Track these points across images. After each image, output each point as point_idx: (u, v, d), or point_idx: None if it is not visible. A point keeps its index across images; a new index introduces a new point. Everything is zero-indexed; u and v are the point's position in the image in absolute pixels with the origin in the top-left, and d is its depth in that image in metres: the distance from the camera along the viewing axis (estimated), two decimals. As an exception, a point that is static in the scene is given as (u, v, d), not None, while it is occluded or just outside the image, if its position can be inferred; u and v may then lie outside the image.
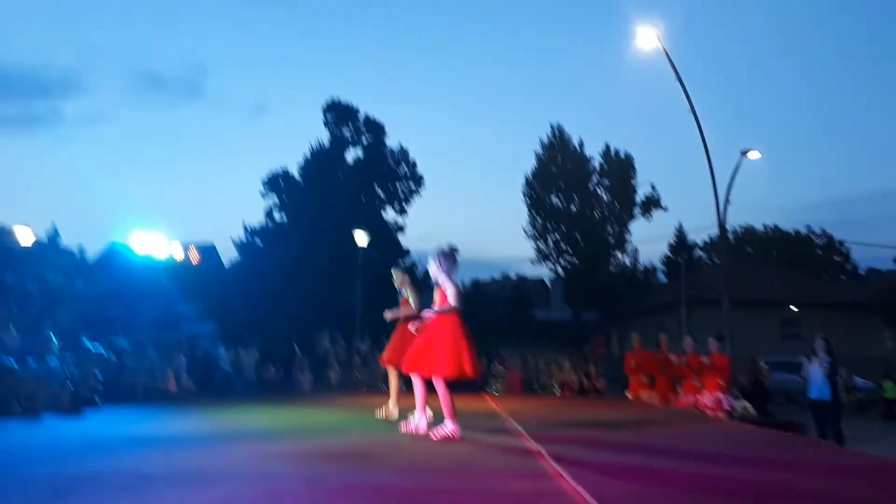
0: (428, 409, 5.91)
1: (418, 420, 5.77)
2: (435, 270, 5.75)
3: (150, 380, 9.51)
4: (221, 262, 36.91)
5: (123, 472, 3.84)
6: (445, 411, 5.44)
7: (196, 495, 3.20)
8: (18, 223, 16.88)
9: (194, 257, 16.58)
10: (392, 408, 7.19)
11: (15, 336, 8.38)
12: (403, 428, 5.83)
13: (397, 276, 7.59)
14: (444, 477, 3.88)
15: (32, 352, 7.46)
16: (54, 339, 7.63)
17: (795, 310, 29.79)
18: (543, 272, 47.15)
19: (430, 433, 5.47)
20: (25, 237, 16.77)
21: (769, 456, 5.12)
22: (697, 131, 16.50)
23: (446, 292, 5.57)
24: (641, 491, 3.63)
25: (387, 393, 7.54)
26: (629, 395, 10.99)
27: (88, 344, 8.61)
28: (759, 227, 49.65)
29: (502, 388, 13.40)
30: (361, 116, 38.13)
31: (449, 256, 5.74)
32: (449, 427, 5.38)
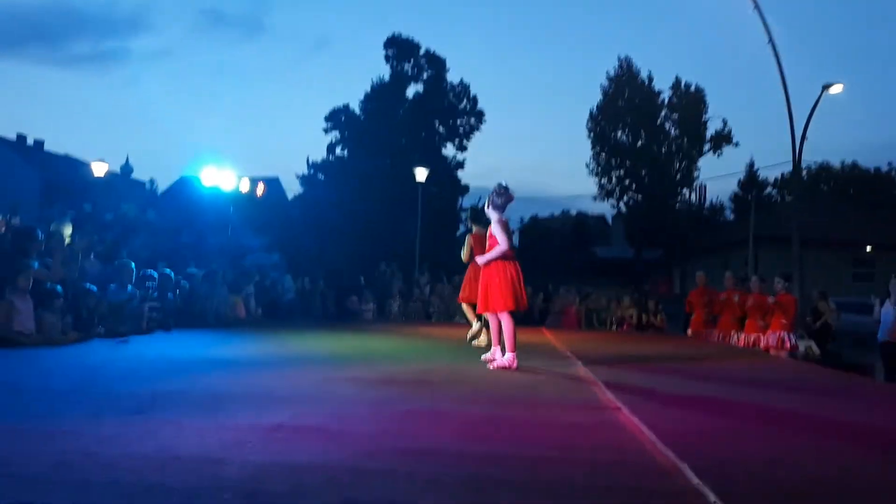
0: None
1: (493, 353, 5.97)
2: (488, 211, 5.90)
3: (220, 306, 9.91)
4: (285, 196, 37.68)
5: (198, 391, 4.08)
6: (507, 343, 5.63)
7: (267, 415, 3.38)
8: (94, 158, 17.61)
9: (260, 190, 16.96)
10: (480, 336, 7.38)
11: (95, 263, 8.84)
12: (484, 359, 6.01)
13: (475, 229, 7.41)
14: (502, 405, 3.97)
15: (112, 278, 7.85)
16: (133, 265, 7.99)
17: (869, 250, 28.60)
18: (604, 209, 46.39)
19: (488, 362, 5.74)
20: (101, 170, 17.49)
21: (827, 397, 5.04)
22: (774, 64, 15.68)
23: (496, 236, 5.74)
24: (696, 424, 3.65)
25: (461, 325, 7.81)
26: (690, 331, 10.89)
27: (163, 271, 9.00)
28: (835, 163, 47.36)
29: (560, 322, 13.46)
30: (422, 51, 37.60)
31: (500, 195, 5.86)
32: (508, 357, 5.58)
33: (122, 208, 17.03)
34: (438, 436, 3.09)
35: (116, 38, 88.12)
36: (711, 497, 2.30)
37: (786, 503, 2.32)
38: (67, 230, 10.32)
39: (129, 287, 7.71)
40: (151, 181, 37.21)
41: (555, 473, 2.56)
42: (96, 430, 2.99)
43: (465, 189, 36.55)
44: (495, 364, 5.60)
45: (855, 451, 3.22)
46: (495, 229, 5.78)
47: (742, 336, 10.05)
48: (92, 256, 8.86)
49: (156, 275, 8.82)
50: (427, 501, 2.18)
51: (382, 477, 2.40)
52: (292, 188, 38.34)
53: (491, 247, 5.83)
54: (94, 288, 7.12)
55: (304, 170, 37.28)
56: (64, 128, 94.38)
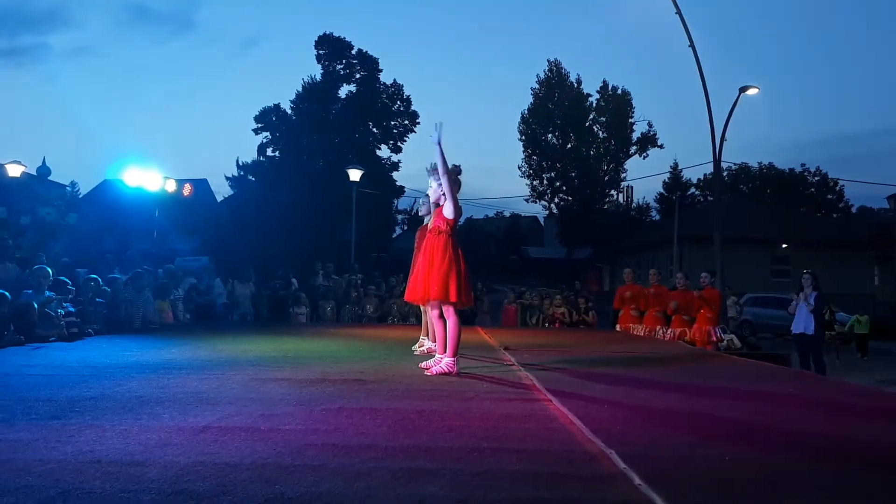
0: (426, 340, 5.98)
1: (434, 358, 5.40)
2: (437, 193, 5.33)
3: (146, 311, 9.59)
4: (214, 197, 36.81)
5: (122, 395, 3.94)
6: (450, 345, 5.14)
7: (193, 417, 3.30)
8: (9, 159, 16.76)
9: (186, 191, 16.51)
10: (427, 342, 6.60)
11: (11, 268, 8.44)
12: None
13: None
14: (435, 400, 3.99)
15: (29, 283, 7.50)
16: (49, 269, 7.66)
17: (786, 247, 30.02)
18: (537, 210, 47.18)
19: (425, 369, 5.21)
20: (16, 172, 16.66)
21: (748, 385, 5.27)
22: (696, 68, 16.28)
23: (444, 210, 5.20)
24: (624, 413, 3.75)
25: (396, 326, 7.42)
26: (618, 327, 11.17)
27: (84, 276, 8.66)
28: (753, 164, 49.52)
29: (498, 320, 13.61)
30: (354, 51, 37.41)
31: (453, 177, 5.33)
32: (447, 362, 5.10)
33: (39, 212, 16.30)
34: (369, 431, 3.08)
35: (33, 32, 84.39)
36: (636, 480, 2.38)
37: (711, 486, 2.40)
38: (-21, 235, 9.81)
39: (47, 292, 7.38)
40: (73, 184, 35.79)
41: (484, 462, 2.59)
42: (9, 436, 2.85)
43: (401, 190, 36.60)
44: (434, 370, 5.08)
45: (776, 432, 3.37)
46: (447, 200, 5.19)
47: (668, 330, 10.39)
48: (7, 262, 8.46)
49: (80, 279, 8.48)
50: (356, 493, 2.18)
51: (311, 472, 2.38)
52: (222, 190, 37.54)
53: (428, 247, 5.25)
54: (8, 294, 6.78)
55: (233, 171, 36.54)
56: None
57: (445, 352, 5.18)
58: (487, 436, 3.05)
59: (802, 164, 48.86)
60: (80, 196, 34.20)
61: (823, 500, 2.33)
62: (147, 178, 14.20)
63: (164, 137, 79.43)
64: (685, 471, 2.58)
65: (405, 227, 37.76)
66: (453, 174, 5.31)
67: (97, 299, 8.47)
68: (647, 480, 2.35)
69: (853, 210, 48.45)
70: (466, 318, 13.39)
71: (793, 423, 3.69)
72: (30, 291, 7.21)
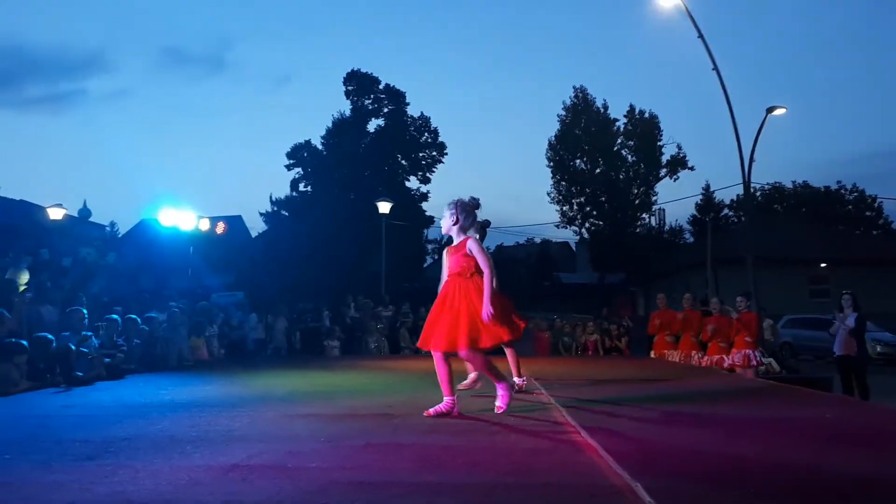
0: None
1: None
2: (449, 225, 4.89)
3: (182, 349, 9.76)
4: (249, 234, 37.42)
5: (155, 435, 4.01)
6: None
7: (223, 456, 3.34)
8: (51, 202, 17.30)
9: (220, 229, 16.83)
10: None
11: (52, 310, 8.66)
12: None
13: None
14: (461, 434, 3.99)
15: (68, 325, 7.71)
16: (85, 312, 7.86)
17: (824, 266, 29.36)
18: (568, 236, 46.95)
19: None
20: (58, 215, 17.18)
21: (785, 413, 5.16)
22: (720, 89, 16.20)
23: (477, 257, 4.75)
24: (652, 443, 3.71)
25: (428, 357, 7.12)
26: (653, 354, 11.03)
27: (112, 315, 8.85)
28: (788, 184, 48.73)
29: (530, 349, 13.53)
30: (381, 85, 38.00)
31: (469, 210, 4.91)
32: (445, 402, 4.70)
33: (80, 253, 16.74)
34: (395, 468, 3.10)
35: (72, 79, 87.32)
36: (661, 514, 2.36)
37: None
38: (24, 278, 10.11)
39: (84, 333, 7.56)
40: (112, 224, 36.62)
41: (509, 498, 2.59)
42: (45, 478, 2.93)
43: (430, 221, 36.74)
44: (432, 410, 4.64)
45: (810, 467, 3.29)
46: (475, 249, 4.77)
47: (705, 357, 10.21)
48: (48, 304, 8.69)
49: (118, 319, 8.68)
50: (378, 532, 2.19)
51: (335, 510, 2.40)
52: (256, 226, 38.15)
53: (464, 268, 4.79)
54: (51, 336, 6.97)
55: (267, 207, 37.15)
56: (19, 172, 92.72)
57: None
58: (513, 471, 3.04)
59: (838, 182, 47.94)
60: (119, 236, 35.05)
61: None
62: (181, 218, 14.53)
63: (198, 175, 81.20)
64: (711, 502, 2.54)
65: (436, 257, 37.87)
66: (470, 207, 4.93)
67: (135, 340, 8.65)
68: (671, 515, 2.32)
69: (893, 226, 47.30)
70: (498, 348, 13.39)
71: (830, 455, 3.60)
72: (67, 333, 7.40)
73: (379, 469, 3.07)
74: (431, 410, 4.65)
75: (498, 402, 4.75)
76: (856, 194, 47.36)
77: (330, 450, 3.51)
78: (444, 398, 4.74)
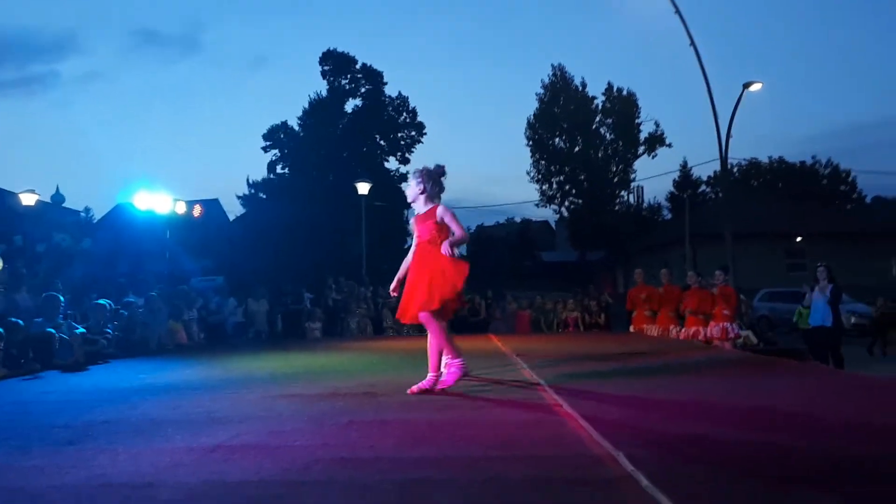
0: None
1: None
2: (416, 193, 4.84)
3: (161, 334, 9.67)
4: (226, 217, 37.07)
5: (135, 418, 3.98)
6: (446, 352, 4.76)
7: (204, 437, 3.32)
8: (23, 188, 17.00)
9: (196, 212, 16.64)
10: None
11: (27, 297, 8.53)
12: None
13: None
14: (445, 410, 4.00)
15: (43, 311, 7.59)
16: (62, 297, 7.75)
17: (800, 240, 29.78)
18: (548, 214, 47.12)
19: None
20: (30, 201, 16.89)
21: (761, 383, 5.24)
22: (698, 65, 16.25)
23: (450, 224, 4.70)
24: (633, 415, 3.75)
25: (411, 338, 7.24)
26: (632, 328, 11.13)
27: (99, 301, 8.75)
28: (763, 159, 49.21)
29: (512, 328, 13.60)
30: (358, 65, 37.63)
31: (435, 177, 4.83)
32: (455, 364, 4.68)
33: (54, 239, 16.51)
34: (379, 444, 3.10)
35: (43, 61, 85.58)
36: (644, 482, 2.38)
37: (719, 487, 2.39)
38: (-1, 265, 9.93)
39: (59, 319, 7.46)
40: (87, 209, 36.14)
41: (493, 470, 2.60)
42: (24, 462, 2.89)
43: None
44: (444, 383, 4.65)
45: (788, 433, 3.35)
46: (447, 217, 4.70)
47: (682, 330, 10.32)
48: (24, 290, 8.55)
49: (95, 304, 8.57)
50: (363, 507, 2.19)
51: (318, 487, 2.40)
52: (234, 210, 37.80)
53: (434, 236, 4.71)
54: (21, 322, 6.86)
55: (244, 190, 36.80)
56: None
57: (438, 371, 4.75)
58: (497, 444, 3.06)
59: (813, 157, 48.47)
60: (94, 221, 34.57)
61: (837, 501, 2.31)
62: (157, 202, 14.34)
63: (174, 159, 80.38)
64: (693, 472, 2.57)
65: (416, 237, 37.82)
66: (436, 175, 4.85)
67: (110, 323, 8.54)
68: (654, 482, 2.34)
69: (867, 200, 48.03)
70: (480, 326, 13.48)
71: (806, 421, 3.66)
72: (39, 319, 7.28)
73: (362, 446, 3.07)
74: (415, 387, 4.63)
75: (444, 377, 4.68)
76: (830, 169, 47.95)
77: (313, 429, 3.50)
78: (429, 374, 4.71)
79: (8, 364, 6.35)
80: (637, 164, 42.36)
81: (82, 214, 34.65)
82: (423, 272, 4.68)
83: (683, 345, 9.25)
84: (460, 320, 11.84)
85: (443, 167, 4.91)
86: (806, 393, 4.71)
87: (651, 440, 3.07)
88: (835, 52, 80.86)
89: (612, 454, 2.77)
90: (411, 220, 5.04)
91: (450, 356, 4.70)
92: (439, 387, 4.65)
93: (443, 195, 4.93)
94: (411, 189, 4.88)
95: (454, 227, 4.70)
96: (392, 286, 5.13)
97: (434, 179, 4.83)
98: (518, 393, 4.63)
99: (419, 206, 4.87)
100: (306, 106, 37.33)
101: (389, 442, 3.14)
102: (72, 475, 2.66)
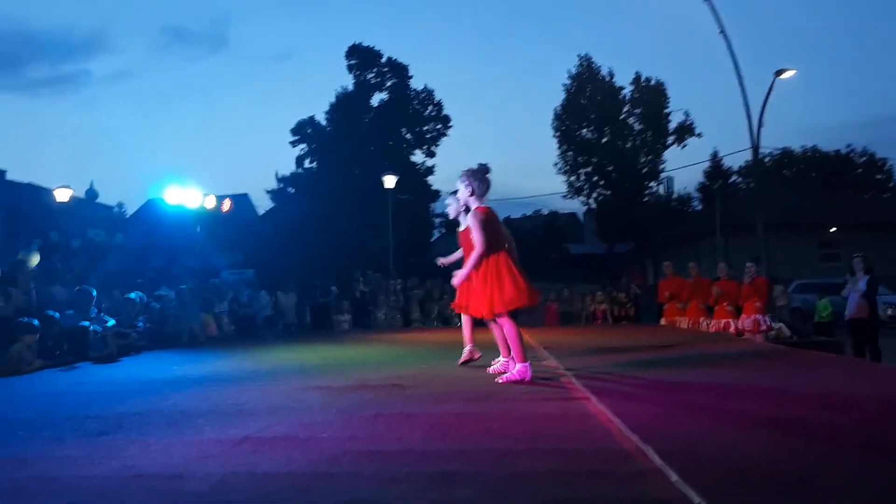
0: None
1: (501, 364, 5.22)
2: (465, 195, 4.95)
3: (193, 326, 9.80)
4: (256, 211, 37.42)
5: (167, 409, 4.03)
6: (513, 352, 4.84)
7: (234, 429, 3.35)
8: (57, 184, 17.30)
9: (226, 206, 16.82)
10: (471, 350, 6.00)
11: (62, 291, 8.69)
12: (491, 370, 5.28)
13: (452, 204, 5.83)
14: (472, 403, 3.99)
15: (77, 305, 7.73)
16: (94, 292, 7.88)
17: (834, 230, 29.15)
18: (575, 206, 46.75)
19: (496, 374, 5.02)
20: (65, 197, 17.20)
21: (793, 376, 5.14)
22: (728, 53, 15.97)
23: (473, 236, 4.80)
24: (662, 408, 3.70)
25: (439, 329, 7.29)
26: (663, 321, 11.01)
27: (131, 294, 8.89)
28: (797, 149, 48.15)
29: (541, 320, 13.55)
30: (384, 59, 37.61)
31: (480, 177, 4.93)
32: (518, 369, 4.74)
33: (88, 234, 16.77)
34: (406, 437, 3.10)
35: (75, 60, 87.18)
36: (673, 477, 2.34)
37: (749, 483, 2.34)
38: (34, 259, 10.14)
39: (93, 312, 7.59)
40: (120, 205, 36.65)
41: (520, 464, 2.58)
42: (57, 453, 2.95)
43: (437, 194, 36.58)
44: (505, 378, 4.76)
45: (819, 426, 3.28)
46: (472, 225, 4.80)
47: (712, 322, 10.18)
48: (59, 284, 8.71)
49: (127, 298, 8.70)
50: (390, 499, 2.19)
51: (346, 479, 2.40)
52: (263, 204, 38.13)
53: (468, 249, 4.92)
54: (57, 315, 7.00)
55: (273, 184, 37.08)
56: (26, 155, 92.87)
57: (509, 355, 4.91)
58: (524, 437, 3.04)
59: (848, 145, 47.31)
60: (127, 216, 35.10)
61: (867, 499, 2.24)
62: (187, 196, 14.52)
63: (204, 154, 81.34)
64: (723, 467, 2.52)
65: (443, 231, 37.79)
66: (480, 173, 4.96)
67: (143, 318, 8.68)
68: (683, 477, 2.30)
69: (904, 189, 46.83)
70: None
71: (837, 415, 3.58)
72: (71, 312, 7.42)
73: (390, 438, 3.07)
74: (503, 378, 4.74)
75: (505, 373, 4.87)
76: (865, 158, 46.79)
77: (341, 421, 3.51)
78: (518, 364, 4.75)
79: (44, 356, 6.48)
80: (666, 155, 41.71)
81: (115, 209, 35.19)
82: (483, 283, 4.80)
83: (714, 337, 9.12)
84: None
85: (486, 165, 5.01)
86: (842, 387, 4.61)
87: (680, 435, 3.02)
88: (869, 38, 78.90)
89: (640, 448, 2.73)
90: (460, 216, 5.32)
91: (518, 357, 4.77)
92: (501, 380, 4.75)
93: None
94: (462, 193, 4.99)
95: (475, 237, 4.78)
96: (456, 281, 5.17)
97: (480, 178, 4.92)
98: (546, 386, 4.60)
99: (463, 220, 5.10)
100: (333, 100, 37.47)
101: (417, 434, 3.14)
102: (104, 466, 2.70)
